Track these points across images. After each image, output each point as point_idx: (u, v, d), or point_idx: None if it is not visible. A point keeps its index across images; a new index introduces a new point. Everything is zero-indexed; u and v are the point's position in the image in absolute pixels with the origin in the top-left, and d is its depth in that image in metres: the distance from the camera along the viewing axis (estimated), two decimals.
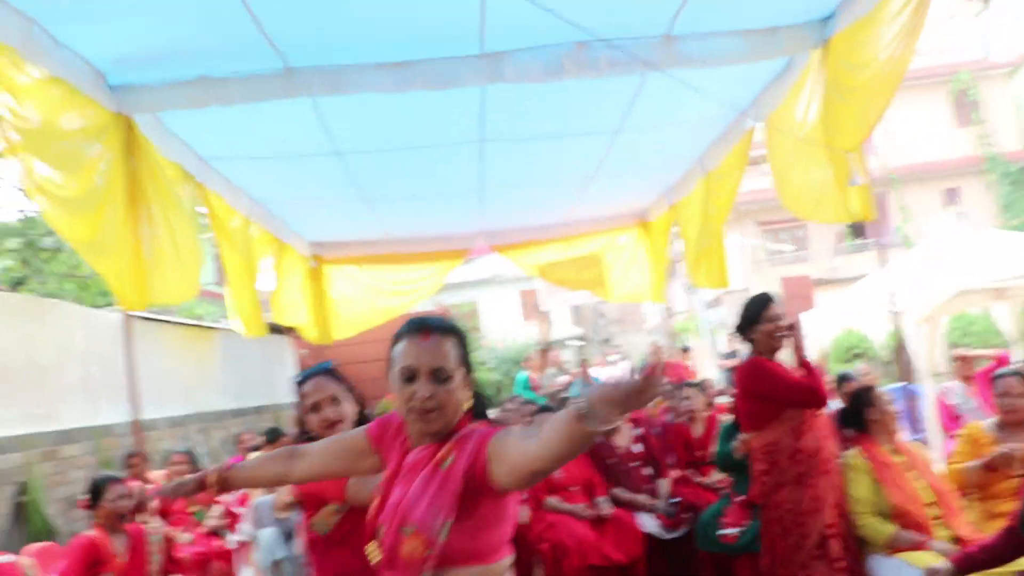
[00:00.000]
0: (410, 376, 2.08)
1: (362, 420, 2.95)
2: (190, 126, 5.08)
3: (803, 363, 4.26)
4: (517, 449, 1.92)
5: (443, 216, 8.24)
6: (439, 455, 2.04)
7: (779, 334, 4.25)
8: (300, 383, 2.99)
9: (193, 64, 4.28)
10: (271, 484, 2.43)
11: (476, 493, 1.98)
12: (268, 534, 5.39)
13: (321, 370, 3.01)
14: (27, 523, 5.87)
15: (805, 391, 4.13)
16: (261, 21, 3.84)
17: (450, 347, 2.12)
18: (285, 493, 5.44)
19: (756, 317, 4.30)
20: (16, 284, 12.37)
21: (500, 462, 1.94)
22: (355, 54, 4.32)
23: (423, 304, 10.89)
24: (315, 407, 2.93)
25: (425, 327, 2.13)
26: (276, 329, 11.06)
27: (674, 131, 6.15)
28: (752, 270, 23.90)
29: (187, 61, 4.24)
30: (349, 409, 2.96)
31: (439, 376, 2.07)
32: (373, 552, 2.06)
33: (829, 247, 26.60)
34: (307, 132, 5.30)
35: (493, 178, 6.78)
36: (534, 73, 4.40)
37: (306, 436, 3.00)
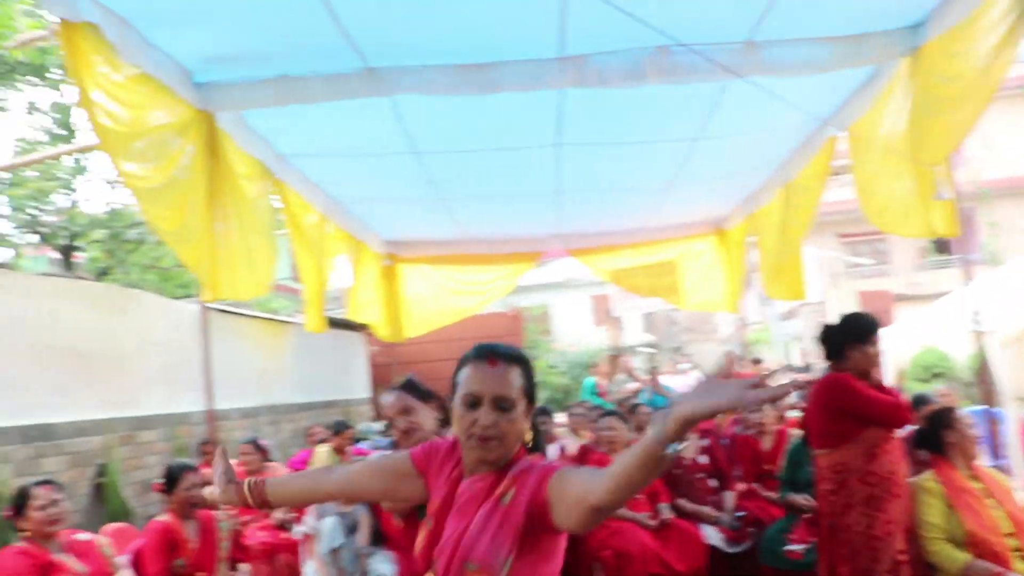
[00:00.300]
0: (473, 402, 2.05)
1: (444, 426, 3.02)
2: (271, 124, 5.16)
3: (881, 387, 4.13)
4: (581, 488, 1.85)
5: (518, 218, 8.24)
6: (499, 489, 2.01)
7: (877, 362, 4.12)
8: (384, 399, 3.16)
9: (275, 63, 4.35)
10: (303, 500, 2.43)
11: (537, 529, 1.95)
12: (329, 522, 5.49)
13: (399, 385, 3.13)
14: (105, 503, 6.04)
15: (891, 409, 3.99)
16: (342, 21, 3.88)
17: (515, 376, 2.09)
18: None
19: (863, 337, 4.12)
20: (101, 274, 12.76)
21: (561, 501, 1.90)
22: (435, 55, 4.33)
23: (495, 305, 10.92)
24: (392, 420, 3.09)
25: (493, 354, 2.10)
26: (349, 325, 11.21)
27: (754, 139, 6.04)
28: (829, 283, 23.37)
29: (269, 60, 4.32)
30: (425, 417, 3.04)
31: (502, 405, 2.05)
32: None
33: (911, 261, 25.88)
34: (385, 131, 5.34)
35: (569, 181, 6.74)
36: (614, 77, 4.36)
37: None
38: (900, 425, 4.08)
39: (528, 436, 2.12)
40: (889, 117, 4.74)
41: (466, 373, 2.10)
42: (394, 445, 3.10)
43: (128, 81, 3.77)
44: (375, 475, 2.30)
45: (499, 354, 2.10)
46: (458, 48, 4.28)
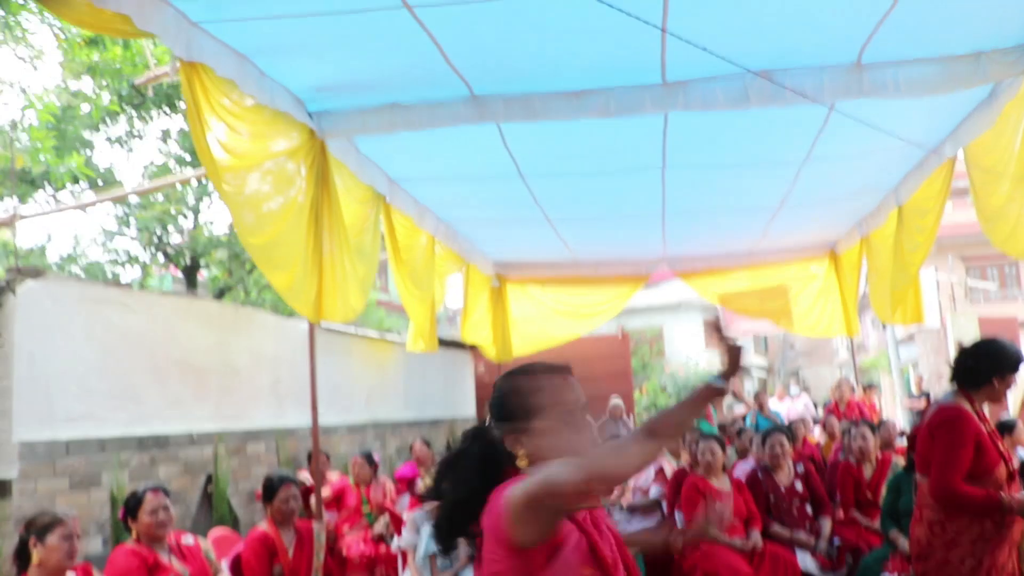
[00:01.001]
0: (584, 409, 2.07)
1: None
2: (381, 149, 5.33)
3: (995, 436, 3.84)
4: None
5: (625, 240, 8.23)
6: None
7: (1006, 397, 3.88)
8: None
9: (384, 92, 4.51)
10: None
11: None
12: (427, 530, 5.63)
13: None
14: (213, 510, 6.29)
15: (983, 500, 3.65)
16: (447, 52, 3.99)
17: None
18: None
19: (1012, 367, 3.79)
20: (221, 292, 13.27)
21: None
22: (538, 82, 4.40)
23: (603, 327, 10.91)
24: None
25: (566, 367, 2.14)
26: (457, 344, 11.36)
27: (865, 161, 5.90)
28: (949, 308, 22.42)
29: (378, 89, 4.47)
30: None
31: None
32: None
33: None
34: (492, 155, 5.43)
35: (675, 204, 6.71)
36: (717, 102, 4.34)
37: None
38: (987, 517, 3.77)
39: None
40: (1009, 137, 4.55)
41: (559, 383, 2.11)
42: None
43: (244, 112, 3.95)
44: None
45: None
46: (560, 75, 4.35)
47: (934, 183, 5.73)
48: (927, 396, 14.79)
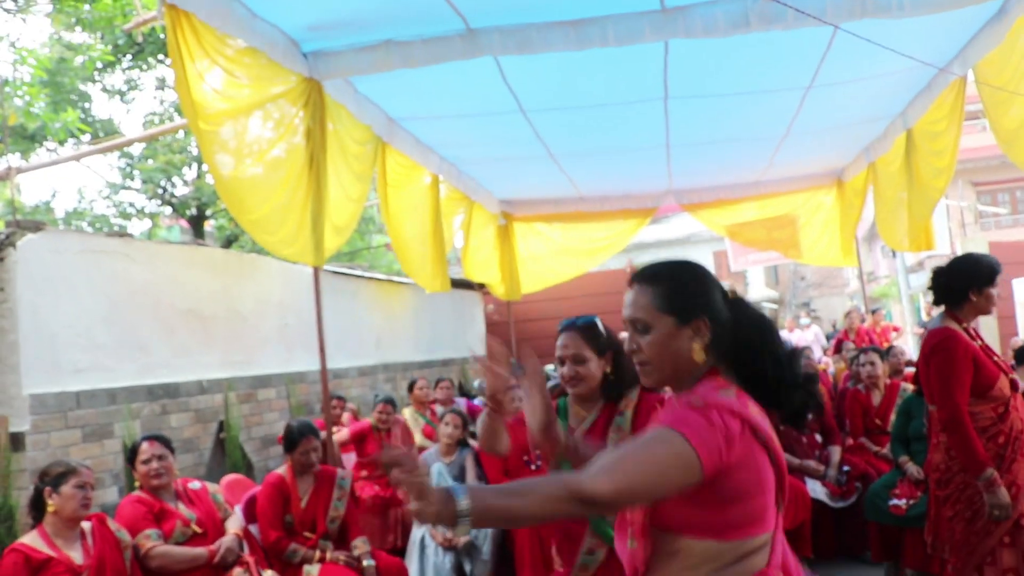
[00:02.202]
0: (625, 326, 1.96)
1: (617, 382, 2.92)
2: (380, 89, 5.25)
3: (988, 350, 3.80)
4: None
5: (630, 174, 8.16)
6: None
7: (992, 309, 3.84)
8: (558, 333, 2.97)
9: (379, 29, 4.41)
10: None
11: None
12: (436, 467, 5.72)
13: (572, 325, 2.94)
14: (226, 457, 6.35)
15: (970, 453, 3.62)
16: None
17: (647, 296, 1.91)
18: (445, 437, 5.87)
19: (988, 279, 3.75)
20: (229, 242, 13.26)
21: None
22: (535, 13, 4.31)
23: (611, 262, 10.89)
24: (562, 361, 2.93)
25: (632, 277, 1.97)
26: (465, 284, 11.35)
27: (871, 84, 5.78)
28: (959, 233, 22.23)
29: (373, 27, 4.38)
30: (595, 368, 2.89)
31: (636, 327, 1.92)
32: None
33: None
34: (491, 91, 5.35)
35: (679, 135, 6.63)
36: (718, 27, 4.23)
37: (556, 386, 3.09)
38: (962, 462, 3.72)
39: (698, 356, 1.87)
40: (1020, 54, 4.43)
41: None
42: (562, 391, 2.98)
43: (236, 55, 3.88)
44: None
45: (636, 276, 1.97)
46: (558, 4, 4.24)
47: (944, 104, 5.59)
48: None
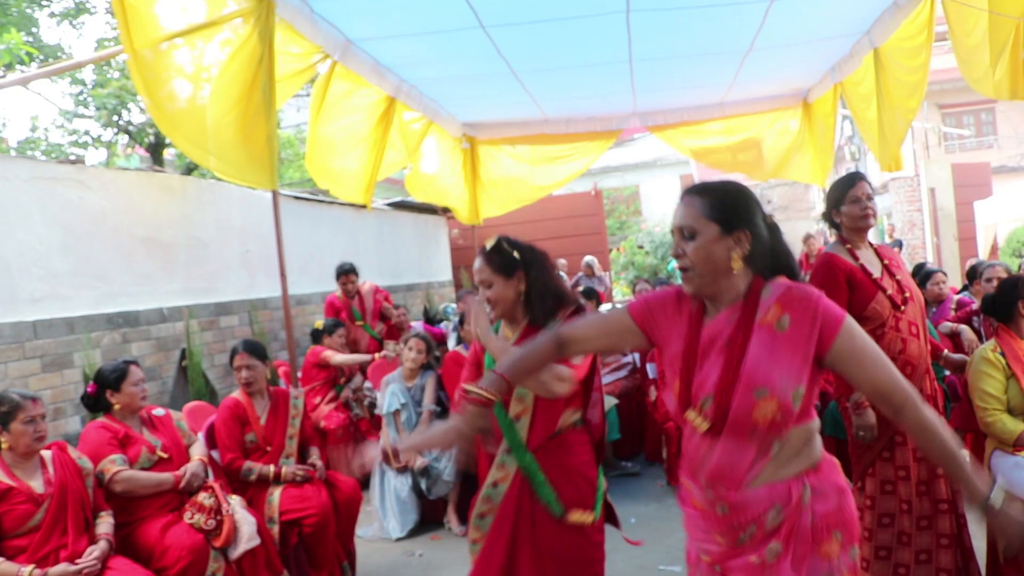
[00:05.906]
0: (674, 235, 2.16)
1: (535, 299, 2.99)
2: (336, 8, 5.09)
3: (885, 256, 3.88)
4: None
5: (595, 95, 8.05)
6: (766, 316, 2.02)
7: (866, 216, 3.86)
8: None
9: None
10: (542, 369, 2.41)
11: (815, 361, 2.00)
12: (391, 388, 5.77)
13: (482, 250, 3.04)
14: (189, 385, 6.32)
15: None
16: None
17: (697, 205, 2.10)
18: (409, 362, 5.91)
19: (841, 197, 3.85)
20: (189, 170, 13.02)
21: (842, 361, 1.99)
22: None
23: (576, 185, 10.85)
24: (476, 285, 3.06)
25: (686, 191, 2.17)
26: (430, 209, 11.26)
27: (837, 1, 5.69)
28: (923, 155, 22.29)
29: None
30: (503, 289, 2.98)
31: (685, 234, 2.10)
32: (698, 420, 2.05)
33: (1021, 135, 24.44)
34: (449, 6, 5.22)
35: (642, 50, 6.51)
36: None
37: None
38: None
39: (736, 264, 2.06)
40: None
41: None
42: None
43: None
44: (600, 334, 2.34)
45: (688, 189, 2.16)
46: None
47: (915, 22, 5.52)
48: (900, 244, 14.83)
